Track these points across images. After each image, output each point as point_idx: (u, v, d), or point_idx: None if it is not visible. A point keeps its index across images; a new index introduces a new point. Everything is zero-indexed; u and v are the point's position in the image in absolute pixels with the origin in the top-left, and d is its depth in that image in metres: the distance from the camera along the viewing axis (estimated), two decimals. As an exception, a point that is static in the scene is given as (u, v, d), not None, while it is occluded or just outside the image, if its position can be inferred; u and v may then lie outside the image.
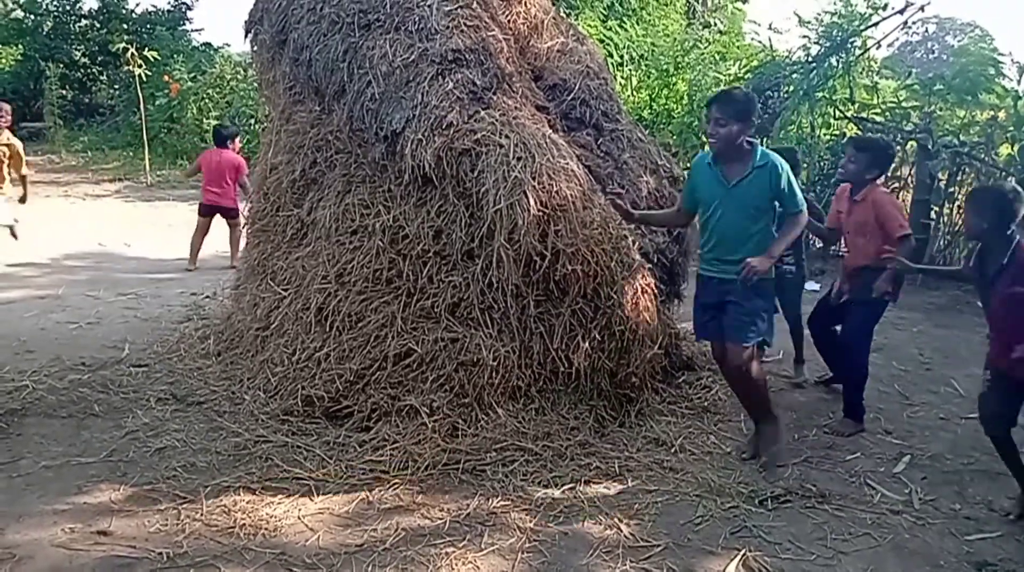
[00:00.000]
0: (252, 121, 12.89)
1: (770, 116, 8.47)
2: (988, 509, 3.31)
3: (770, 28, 15.27)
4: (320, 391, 3.74)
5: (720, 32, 13.76)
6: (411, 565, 2.77)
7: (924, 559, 2.94)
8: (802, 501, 3.31)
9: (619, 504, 3.23)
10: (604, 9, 13.00)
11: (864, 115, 8.59)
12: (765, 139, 8.58)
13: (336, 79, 4.26)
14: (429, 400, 3.64)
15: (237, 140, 7.75)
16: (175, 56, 15.38)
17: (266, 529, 2.96)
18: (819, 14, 9.01)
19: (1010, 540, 3.10)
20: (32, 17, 18.83)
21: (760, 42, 10.90)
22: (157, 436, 3.66)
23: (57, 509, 3.04)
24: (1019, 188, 3.23)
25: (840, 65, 8.32)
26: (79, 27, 19.05)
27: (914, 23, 9.08)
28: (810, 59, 8.59)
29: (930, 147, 7.51)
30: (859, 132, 8.10)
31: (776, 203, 3.48)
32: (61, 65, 16.75)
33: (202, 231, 7.54)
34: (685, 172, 4.56)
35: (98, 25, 18.86)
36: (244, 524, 2.97)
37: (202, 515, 3.02)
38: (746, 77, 9.50)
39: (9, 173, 6.86)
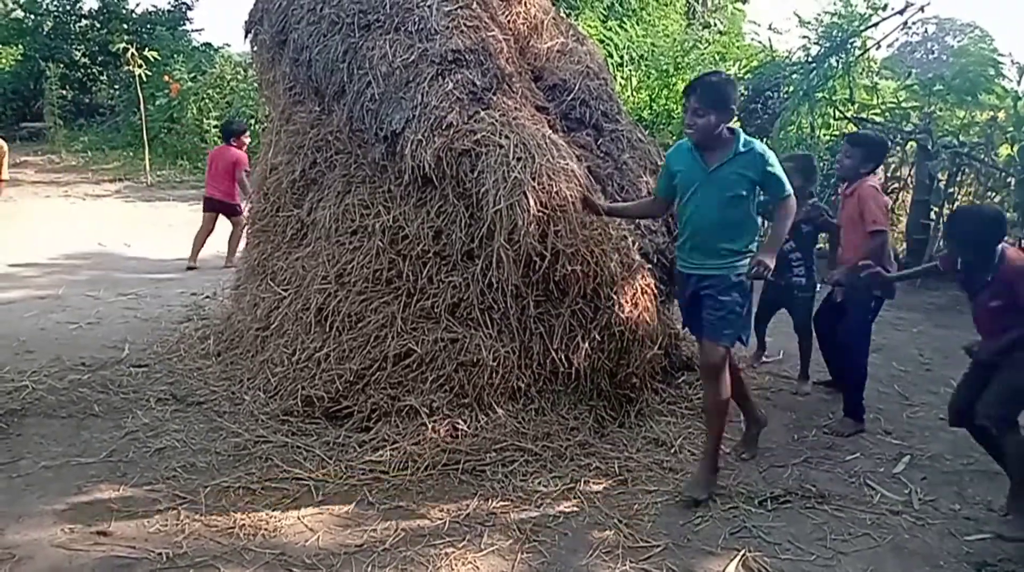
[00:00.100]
0: (252, 121, 12.86)
1: (770, 116, 8.48)
2: (987, 509, 3.31)
3: (770, 28, 15.30)
4: (320, 391, 3.75)
5: (720, 32, 13.76)
6: (411, 565, 2.78)
7: (924, 559, 2.94)
8: (802, 501, 3.31)
9: (619, 504, 3.23)
10: (604, 9, 13.00)
11: (864, 115, 8.59)
12: (765, 139, 8.60)
13: (336, 79, 4.26)
14: (429, 400, 3.64)
15: (245, 136, 7.73)
16: (175, 56, 15.37)
17: (266, 529, 2.96)
18: (819, 14, 9.02)
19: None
20: (32, 17, 18.82)
21: (760, 42, 10.90)
22: (157, 436, 3.66)
23: (57, 509, 3.04)
24: (998, 209, 3.27)
25: (840, 65, 8.32)
26: (79, 27, 19.03)
27: (914, 23, 9.08)
28: (810, 59, 8.59)
29: (930, 148, 7.52)
30: (859, 132, 8.10)
31: (757, 191, 3.29)
32: (61, 65, 16.73)
33: (206, 228, 7.55)
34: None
35: (98, 25, 18.85)
36: (244, 524, 2.97)
37: (202, 515, 3.03)
38: (746, 77, 9.51)
39: None
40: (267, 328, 4.22)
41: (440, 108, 3.85)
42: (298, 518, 3.05)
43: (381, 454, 3.47)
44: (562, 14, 5.53)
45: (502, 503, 3.19)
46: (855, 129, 8.35)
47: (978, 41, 9.97)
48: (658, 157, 4.69)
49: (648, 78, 11.45)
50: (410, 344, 3.71)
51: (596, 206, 3.70)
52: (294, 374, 3.88)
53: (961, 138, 7.91)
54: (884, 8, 8.29)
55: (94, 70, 18.97)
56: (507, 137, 3.71)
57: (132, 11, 19.07)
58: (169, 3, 19.30)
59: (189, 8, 19.40)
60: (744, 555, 2.89)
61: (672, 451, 3.68)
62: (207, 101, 14.64)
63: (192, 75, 15.07)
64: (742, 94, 9.29)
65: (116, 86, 18.18)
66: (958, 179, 7.91)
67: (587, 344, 3.74)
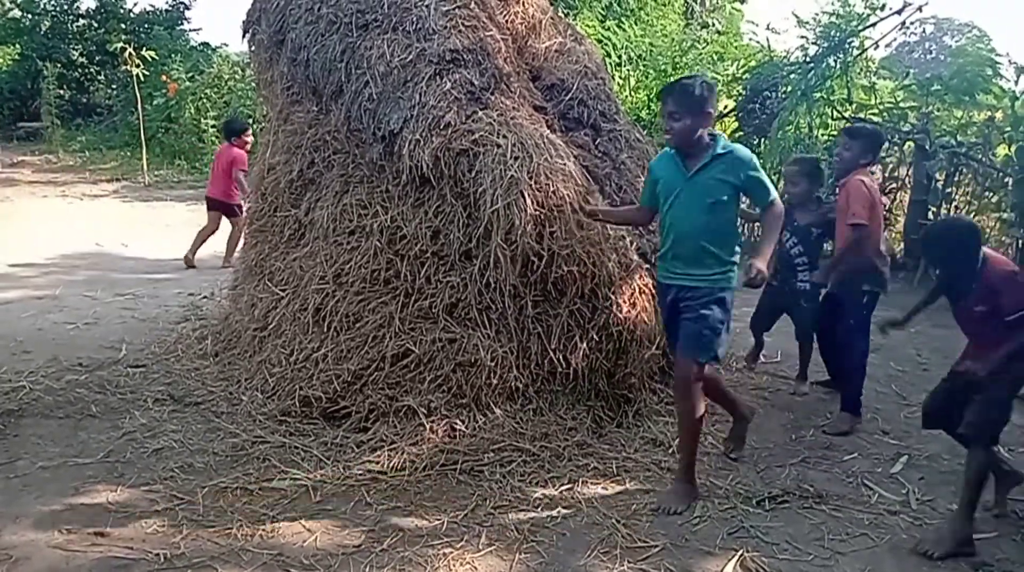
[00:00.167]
0: (250, 121, 12.83)
1: (768, 116, 8.48)
2: (984, 509, 3.31)
3: (768, 28, 15.26)
4: (318, 392, 3.74)
5: (718, 32, 13.76)
6: (409, 566, 2.77)
7: (921, 559, 2.94)
8: (799, 502, 3.31)
9: (617, 504, 3.23)
10: (602, 9, 12.99)
11: (862, 115, 8.60)
12: (763, 139, 8.61)
13: (334, 79, 4.26)
14: (427, 401, 3.64)
15: (246, 135, 7.68)
16: (173, 56, 15.36)
17: (263, 530, 2.96)
18: (817, 14, 9.02)
19: (1008, 540, 3.11)
20: (29, 16, 18.81)
21: (758, 42, 10.92)
22: (154, 437, 3.66)
23: (54, 510, 3.04)
24: (970, 220, 3.25)
25: (838, 65, 8.32)
26: (77, 27, 19.03)
27: (912, 23, 9.10)
28: (808, 59, 8.60)
29: (927, 148, 7.52)
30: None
31: (741, 197, 3.23)
32: (58, 65, 16.73)
33: (209, 227, 7.55)
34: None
35: (96, 25, 18.84)
36: (241, 525, 2.97)
37: (199, 516, 3.02)
38: (744, 77, 9.51)
39: None
40: (265, 328, 4.21)
41: (438, 108, 3.85)
42: (296, 519, 3.05)
43: (379, 454, 3.47)
44: (560, 14, 5.53)
45: (500, 503, 3.19)
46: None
47: (976, 41, 9.98)
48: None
49: (646, 78, 11.44)
50: (408, 344, 3.71)
51: (582, 208, 3.67)
52: (292, 374, 3.88)
53: (959, 138, 7.91)
54: (882, 8, 8.30)
55: (91, 70, 18.98)
56: (505, 137, 3.71)
57: (130, 11, 19.08)
58: (167, 3, 19.31)
59: (187, 8, 19.41)
60: (742, 555, 2.89)
61: (670, 451, 3.67)
62: (205, 101, 14.62)
63: (190, 75, 15.06)
64: (740, 94, 9.31)
65: (113, 86, 18.16)
66: (956, 179, 7.91)
67: (585, 344, 3.74)
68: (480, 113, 3.86)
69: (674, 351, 3.44)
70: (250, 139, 7.68)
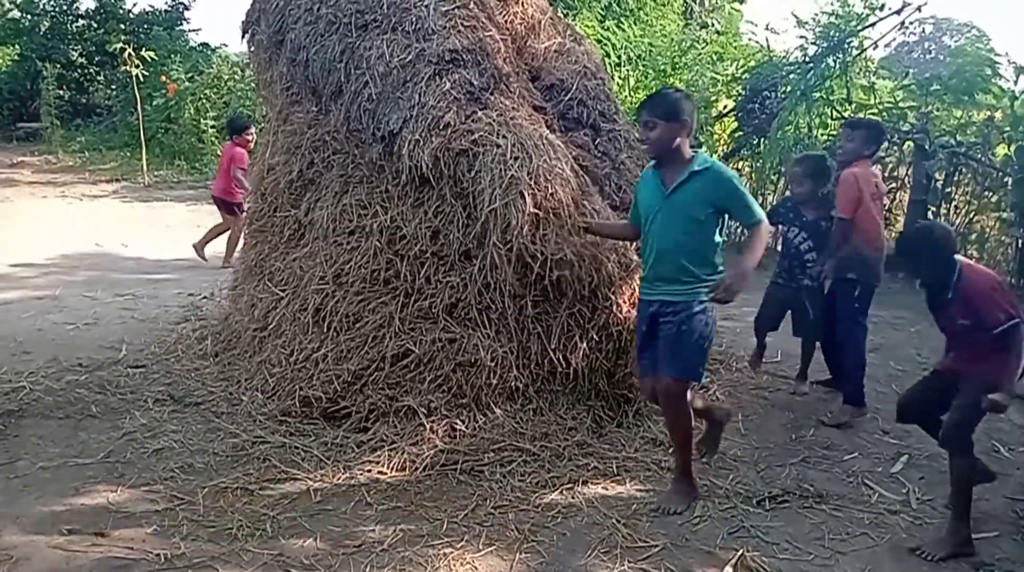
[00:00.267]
0: (251, 121, 12.84)
1: (767, 116, 8.48)
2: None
3: (767, 28, 15.21)
4: (318, 392, 3.74)
5: (717, 32, 13.75)
6: (409, 566, 2.77)
7: (921, 559, 2.95)
8: (800, 501, 3.32)
9: (617, 504, 3.23)
10: (602, 9, 12.98)
11: (861, 115, 8.59)
12: (763, 139, 8.61)
13: (333, 79, 4.26)
14: (427, 401, 3.64)
15: (248, 132, 7.67)
16: (172, 56, 15.33)
17: (264, 530, 2.96)
18: (816, 14, 9.01)
19: (1008, 540, 3.11)
20: (29, 17, 18.78)
21: (757, 42, 10.88)
22: (154, 437, 3.66)
23: (54, 510, 3.04)
24: (945, 225, 3.25)
25: (837, 65, 8.32)
26: (76, 27, 18.99)
27: (911, 23, 9.09)
28: (807, 59, 8.60)
29: (927, 147, 7.52)
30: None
31: (725, 216, 3.15)
32: (58, 65, 16.68)
33: (224, 224, 7.56)
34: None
35: (95, 25, 18.81)
36: (242, 525, 2.97)
37: (199, 516, 3.02)
38: (743, 77, 9.51)
39: None
40: (265, 328, 4.21)
41: (437, 108, 3.85)
42: (296, 519, 3.05)
43: (379, 455, 3.47)
44: (559, 14, 5.53)
45: (500, 503, 3.20)
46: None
47: (975, 41, 9.98)
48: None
49: (646, 78, 11.44)
50: (408, 344, 3.71)
51: (578, 217, 3.65)
52: (292, 375, 3.88)
53: (958, 138, 7.91)
54: (881, 8, 8.30)
55: (91, 70, 18.94)
56: (504, 137, 3.71)
57: (129, 11, 19.03)
58: (166, 3, 19.26)
59: (186, 8, 19.37)
60: (742, 555, 2.89)
61: (670, 451, 3.66)
62: (204, 101, 14.60)
63: (189, 75, 15.03)
64: (740, 94, 9.30)
65: (113, 86, 18.12)
66: (955, 179, 7.91)
67: (585, 344, 3.75)
68: (479, 113, 3.86)
69: (639, 370, 3.43)
70: (252, 137, 7.66)
